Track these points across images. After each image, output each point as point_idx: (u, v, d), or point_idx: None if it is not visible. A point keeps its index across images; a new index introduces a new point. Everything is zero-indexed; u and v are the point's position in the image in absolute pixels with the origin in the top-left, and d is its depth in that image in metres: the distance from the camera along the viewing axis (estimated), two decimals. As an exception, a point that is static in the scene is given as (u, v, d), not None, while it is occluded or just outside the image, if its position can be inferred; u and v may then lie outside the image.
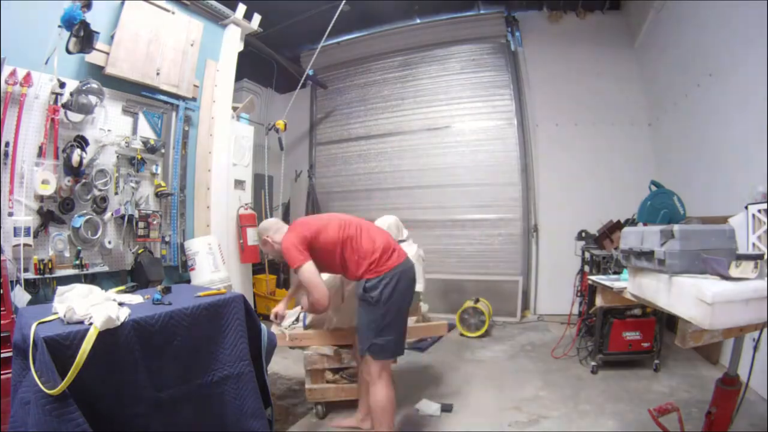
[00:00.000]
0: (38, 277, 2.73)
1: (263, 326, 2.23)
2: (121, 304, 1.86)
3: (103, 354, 1.53)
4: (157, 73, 3.43)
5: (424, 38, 6.09)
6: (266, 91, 6.87)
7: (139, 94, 3.40)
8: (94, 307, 1.65)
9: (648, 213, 3.33)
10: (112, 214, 3.19)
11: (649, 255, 1.75)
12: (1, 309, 2.26)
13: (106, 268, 3.13)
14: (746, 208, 2.17)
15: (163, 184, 3.54)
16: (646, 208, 3.35)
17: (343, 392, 2.80)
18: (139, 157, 3.35)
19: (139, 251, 3.33)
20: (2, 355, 2.20)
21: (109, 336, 1.56)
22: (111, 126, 3.21)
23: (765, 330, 1.69)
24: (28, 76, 2.68)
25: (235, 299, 2.06)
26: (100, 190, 3.09)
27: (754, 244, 2.09)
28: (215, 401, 1.93)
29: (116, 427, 1.57)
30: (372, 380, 2.25)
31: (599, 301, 2.41)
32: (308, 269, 2.20)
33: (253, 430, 1.99)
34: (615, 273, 3.11)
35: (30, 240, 2.67)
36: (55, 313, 1.68)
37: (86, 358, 1.46)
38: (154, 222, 3.40)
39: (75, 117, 2.93)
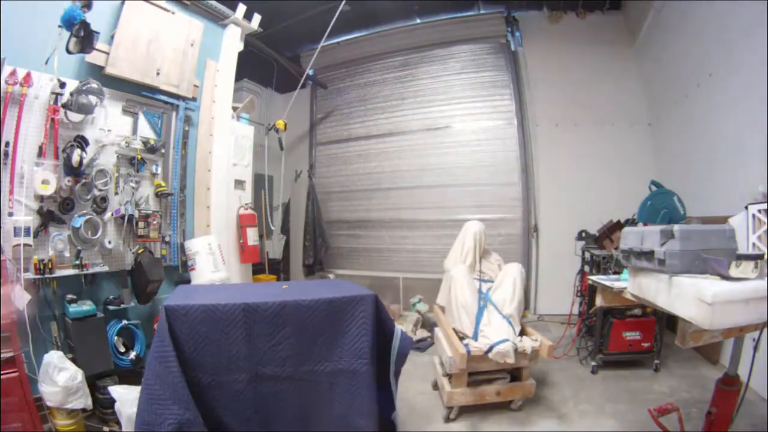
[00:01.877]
0: (38, 277, 2.72)
1: (398, 329, 2.19)
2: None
3: (214, 324, 1.92)
4: (157, 73, 3.42)
5: (424, 38, 6.09)
6: (266, 91, 6.87)
7: (139, 94, 3.40)
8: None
9: (648, 213, 3.33)
10: (112, 214, 3.19)
11: (649, 255, 1.75)
12: (1, 308, 2.26)
13: (106, 268, 3.13)
14: (746, 208, 2.17)
15: (163, 184, 3.54)
16: (646, 208, 3.35)
17: (478, 395, 2.82)
18: (139, 157, 3.35)
19: (139, 251, 3.33)
20: (2, 355, 2.20)
21: (220, 313, 1.94)
22: (111, 126, 3.20)
23: (765, 330, 1.69)
24: (28, 76, 2.68)
25: (365, 298, 2.10)
26: (100, 190, 3.09)
27: (754, 244, 2.09)
28: (322, 390, 2.05)
29: (217, 385, 1.93)
30: None
31: (599, 301, 2.41)
32: None
33: (359, 429, 2.02)
34: (615, 273, 3.11)
35: (30, 240, 2.67)
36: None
37: (201, 325, 1.92)
38: (154, 222, 3.40)
39: (75, 117, 2.93)
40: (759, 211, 2.09)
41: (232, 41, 4.12)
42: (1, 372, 2.18)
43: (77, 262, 2.95)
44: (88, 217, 2.97)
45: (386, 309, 2.23)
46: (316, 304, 2.04)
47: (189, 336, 1.89)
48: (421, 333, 4.70)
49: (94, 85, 2.92)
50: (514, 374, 2.92)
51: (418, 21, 6.12)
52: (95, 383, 2.79)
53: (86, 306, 2.88)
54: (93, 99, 2.92)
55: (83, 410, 2.60)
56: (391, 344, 2.18)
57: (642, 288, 1.90)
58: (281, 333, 2.00)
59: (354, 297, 2.09)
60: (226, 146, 4.06)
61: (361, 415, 2.03)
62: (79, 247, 2.97)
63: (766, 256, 1.62)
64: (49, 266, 2.78)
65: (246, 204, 4.23)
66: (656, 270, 1.72)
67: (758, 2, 2.97)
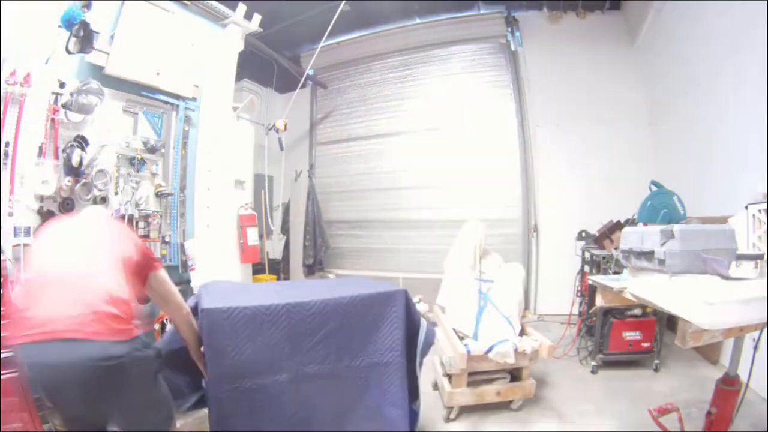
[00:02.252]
0: (38, 277, 2.72)
1: (424, 322, 2.33)
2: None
3: (257, 326, 1.89)
4: (157, 73, 3.43)
5: (424, 38, 6.09)
6: (266, 91, 6.87)
7: (139, 94, 3.40)
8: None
9: (648, 213, 3.32)
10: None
11: (649, 255, 1.75)
12: (1, 309, 2.26)
13: (106, 268, 3.13)
14: (746, 208, 2.17)
15: (163, 184, 3.54)
16: (646, 208, 3.35)
17: (478, 395, 2.83)
18: (139, 157, 3.35)
19: (140, 251, 3.33)
20: (2, 355, 2.20)
21: (264, 314, 1.91)
22: (111, 126, 3.21)
23: (765, 330, 1.69)
24: (28, 76, 2.68)
25: (397, 293, 2.20)
26: (100, 190, 3.09)
27: (754, 244, 2.09)
28: (359, 384, 2.09)
29: (258, 388, 1.88)
30: None
31: (599, 301, 2.41)
32: None
33: (391, 418, 2.10)
34: (615, 273, 3.11)
35: (30, 240, 2.66)
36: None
37: (244, 327, 1.86)
38: (154, 222, 3.40)
39: (75, 117, 2.92)
40: (759, 211, 2.09)
41: (232, 41, 4.12)
42: (1, 372, 2.18)
43: (77, 262, 2.94)
44: (88, 217, 2.97)
45: (414, 303, 2.32)
46: (355, 301, 2.08)
47: (231, 340, 1.84)
48: (421, 333, 4.70)
49: (94, 85, 2.92)
50: (514, 374, 2.92)
51: (418, 21, 6.12)
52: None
53: (86, 306, 2.87)
54: (93, 99, 2.92)
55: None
56: (416, 336, 2.28)
57: (642, 288, 1.90)
58: (323, 331, 2.01)
59: (388, 292, 2.18)
60: (226, 146, 4.06)
61: (394, 405, 2.11)
62: (79, 247, 2.97)
63: (766, 256, 1.62)
64: (49, 266, 2.78)
65: (246, 204, 4.23)
66: (656, 270, 1.72)
67: (758, 2, 2.97)
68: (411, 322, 2.24)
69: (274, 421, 1.92)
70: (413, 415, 2.25)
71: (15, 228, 2.61)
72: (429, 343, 2.33)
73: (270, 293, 2.27)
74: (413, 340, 2.26)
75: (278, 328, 1.92)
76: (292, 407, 1.95)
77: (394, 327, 2.15)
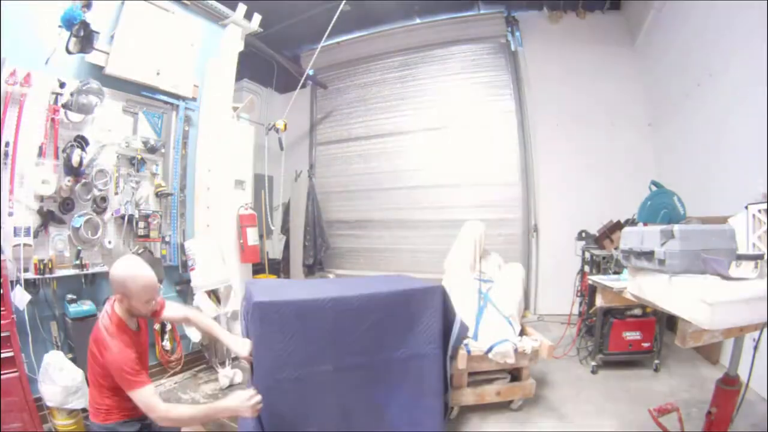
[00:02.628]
0: (38, 277, 2.72)
1: (458, 317, 2.47)
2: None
3: (304, 319, 1.96)
4: (157, 73, 3.43)
5: (424, 38, 6.09)
6: (266, 91, 6.86)
7: (139, 94, 3.40)
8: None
9: (648, 213, 3.32)
10: (112, 214, 3.19)
11: (649, 255, 1.75)
12: (1, 309, 2.26)
13: (106, 268, 3.12)
14: (746, 208, 2.17)
15: (163, 184, 3.54)
16: (646, 208, 3.35)
17: (479, 395, 2.85)
18: (139, 157, 3.35)
19: (139, 251, 3.33)
20: (2, 355, 2.20)
21: (310, 308, 1.99)
22: (111, 126, 3.21)
23: (765, 330, 1.69)
24: (28, 76, 2.68)
25: (436, 289, 2.33)
26: (100, 190, 3.09)
27: (754, 244, 2.09)
28: (398, 375, 2.18)
29: (304, 378, 1.96)
30: None
31: (599, 301, 2.42)
32: None
33: (428, 408, 2.23)
34: (615, 273, 3.11)
35: (30, 240, 2.67)
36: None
37: (293, 320, 1.94)
38: (154, 222, 3.40)
39: (75, 117, 2.92)
40: (759, 211, 2.09)
41: (232, 41, 4.11)
42: (1, 372, 2.18)
43: (77, 262, 2.95)
44: (88, 217, 2.97)
45: (449, 298, 2.41)
46: (396, 295, 2.18)
47: (279, 332, 1.92)
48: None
49: (94, 85, 2.92)
50: (514, 374, 2.92)
51: (418, 21, 6.12)
52: (95, 383, 2.79)
53: (86, 306, 2.87)
54: (93, 99, 2.92)
55: (83, 410, 2.60)
56: (450, 330, 2.39)
57: (642, 288, 1.90)
58: (366, 324, 2.08)
59: (427, 288, 2.29)
60: (226, 146, 4.06)
61: (431, 395, 2.22)
62: (79, 247, 2.97)
63: (766, 256, 1.62)
64: (49, 266, 2.78)
65: (246, 204, 4.22)
66: (656, 270, 1.72)
67: (758, 2, 2.97)
68: (447, 316, 2.34)
69: (318, 409, 2.00)
70: (444, 406, 2.37)
71: (15, 228, 2.61)
72: (462, 336, 2.43)
73: (313, 289, 2.38)
74: (448, 333, 2.36)
75: (324, 320, 2.01)
76: (336, 396, 2.04)
77: (432, 321, 2.24)
